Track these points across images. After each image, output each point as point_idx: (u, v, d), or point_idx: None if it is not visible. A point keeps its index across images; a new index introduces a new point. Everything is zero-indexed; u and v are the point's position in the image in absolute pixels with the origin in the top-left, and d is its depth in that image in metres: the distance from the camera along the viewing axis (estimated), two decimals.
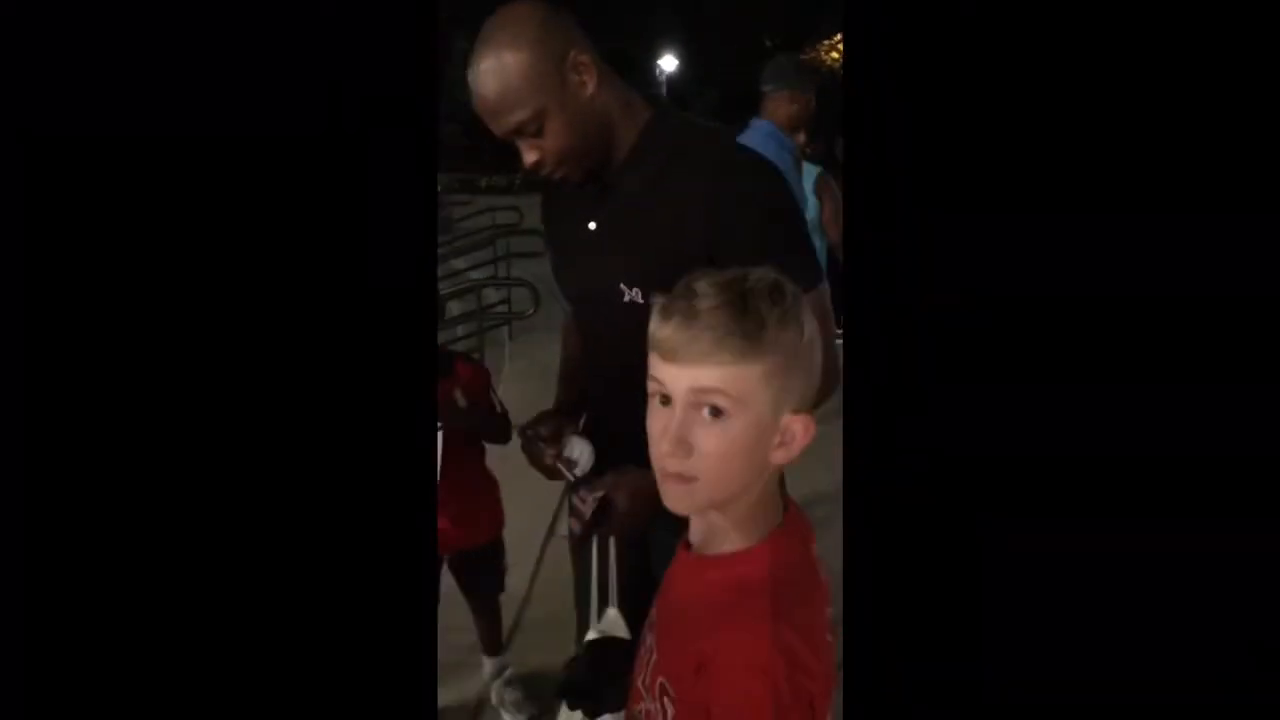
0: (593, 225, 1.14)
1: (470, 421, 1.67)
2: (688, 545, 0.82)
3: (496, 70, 1.00)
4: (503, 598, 1.98)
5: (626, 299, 1.09)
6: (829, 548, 0.80)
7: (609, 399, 1.23)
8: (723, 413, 0.69)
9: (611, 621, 1.18)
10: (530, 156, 1.06)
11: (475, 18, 1.08)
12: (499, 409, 1.74)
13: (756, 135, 2.34)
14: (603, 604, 1.20)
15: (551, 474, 1.18)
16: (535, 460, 1.19)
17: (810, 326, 0.73)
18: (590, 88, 1.04)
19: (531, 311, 3.58)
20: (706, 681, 0.69)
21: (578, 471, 1.14)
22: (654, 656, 0.79)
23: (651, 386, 0.75)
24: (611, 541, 1.18)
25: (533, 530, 2.69)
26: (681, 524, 0.87)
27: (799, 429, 0.72)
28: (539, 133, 1.03)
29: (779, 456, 0.73)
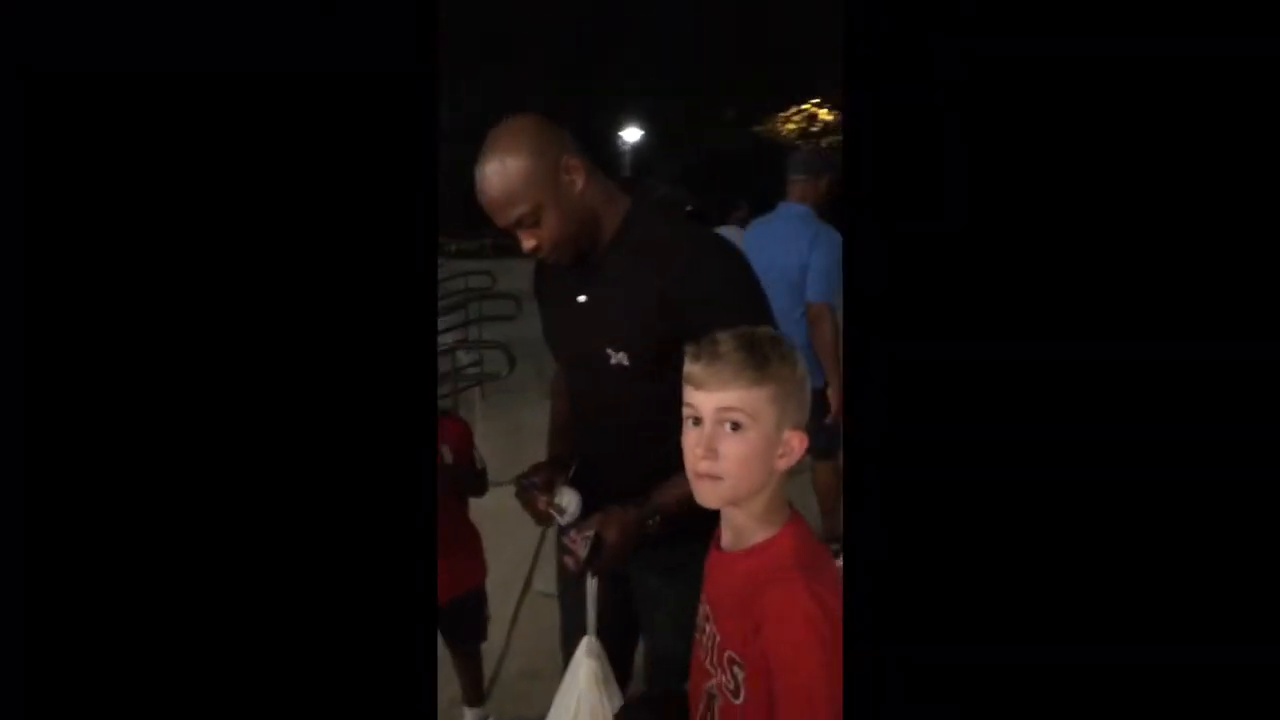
0: (582, 299, 1.31)
1: (454, 476, 1.77)
2: (719, 548, 1.02)
3: (501, 173, 1.18)
4: (483, 648, 2.02)
5: (613, 362, 1.25)
6: None
7: (596, 450, 1.36)
8: (740, 426, 0.92)
9: (591, 647, 1.26)
10: (529, 244, 1.24)
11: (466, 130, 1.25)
12: (480, 465, 1.82)
13: (784, 214, 2.84)
14: (584, 631, 1.29)
15: (543, 520, 1.31)
16: (529, 506, 1.32)
17: (801, 367, 0.95)
18: (580, 185, 1.23)
19: (506, 373, 3.66)
20: (763, 639, 0.87)
21: (566, 518, 1.27)
22: (717, 638, 0.96)
23: (686, 411, 0.97)
24: (591, 580, 1.28)
25: (509, 584, 2.73)
26: (650, 563, 1.12)
27: (796, 442, 0.94)
28: (537, 224, 1.22)
29: (782, 464, 0.94)
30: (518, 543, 3.01)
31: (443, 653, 1.94)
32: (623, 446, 1.33)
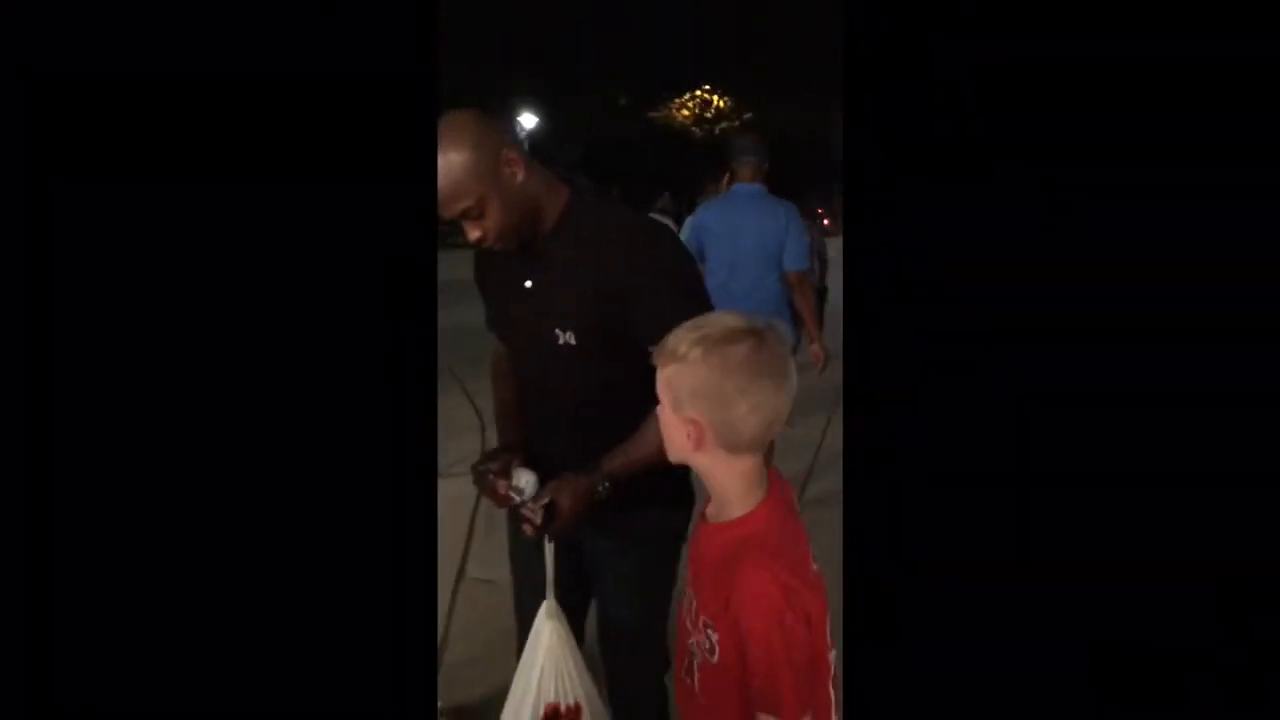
0: (529, 284, 1.39)
1: None
2: (705, 519, 1.09)
3: (445, 168, 1.24)
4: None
5: (561, 341, 1.34)
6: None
7: (548, 425, 1.43)
8: (660, 401, 1.04)
9: (550, 609, 1.36)
10: (474, 234, 1.31)
11: None
12: None
13: (744, 192, 3.13)
14: (538, 597, 1.40)
15: (503, 503, 1.38)
16: (488, 491, 1.40)
17: (712, 366, 0.98)
18: (520, 176, 1.30)
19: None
20: (732, 612, 0.95)
21: (525, 497, 1.32)
22: (694, 603, 1.05)
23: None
24: (548, 544, 1.38)
25: (444, 574, 2.74)
26: (601, 529, 1.29)
27: (693, 430, 1.01)
28: (481, 215, 1.29)
29: (689, 446, 1.02)
30: (449, 532, 3.03)
31: None
32: (572, 420, 1.42)
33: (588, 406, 1.36)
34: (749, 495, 1.01)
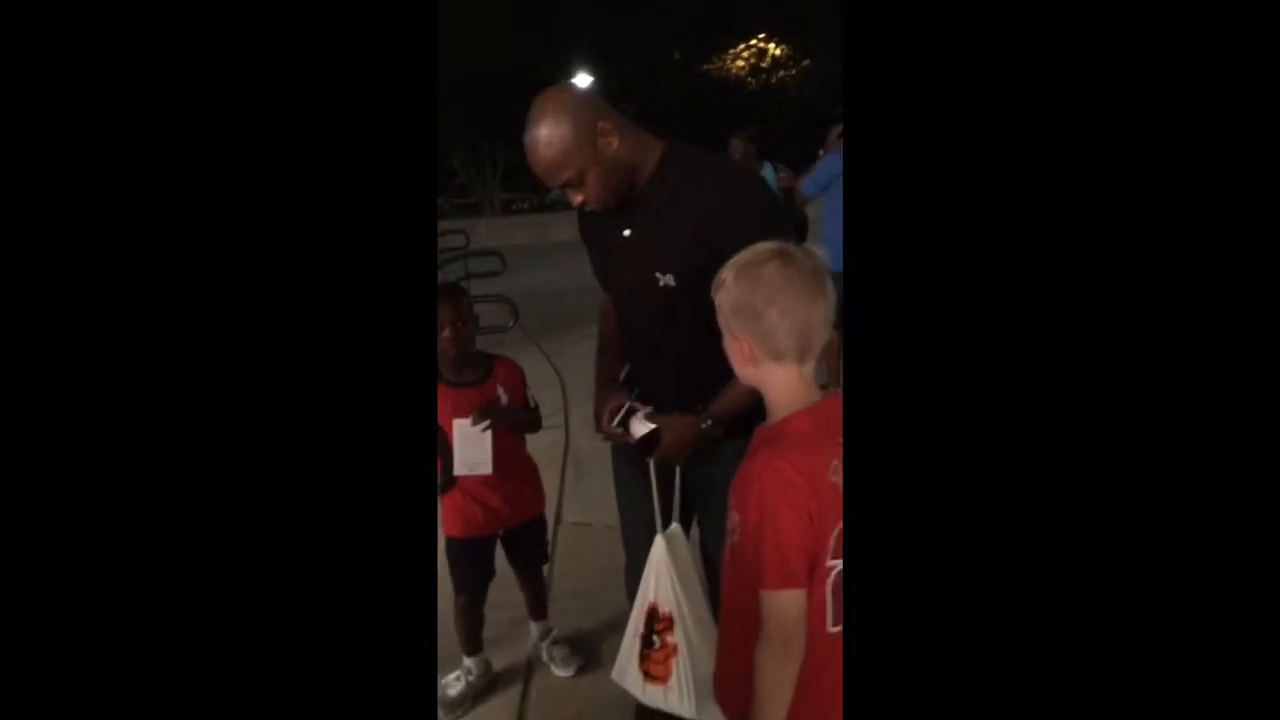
0: (627, 233, 1.49)
1: (510, 414, 1.93)
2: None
3: (546, 144, 1.35)
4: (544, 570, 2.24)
5: (661, 284, 1.44)
6: None
7: (650, 364, 1.54)
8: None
9: (674, 533, 1.47)
10: (576, 199, 1.43)
11: None
12: (532, 404, 1.97)
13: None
14: (666, 521, 1.53)
15: (619, 442, 1.55)
16: (614, 439, 1.56)
17: (751, 293, 1.09)
18: (614, 145, 1.40)
19: (511, 325, 3.74)
20: (738, 494, 1.09)
21: (631, 439, 1.50)
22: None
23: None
24: (654, 476, 1.52)
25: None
26: (709, 459, 1.42)
27: (738, 347, 1.14)
28: (581, 184, 1.39)
29: (739, 362, 1.15)
30: (545, 481, 3.17)
31: (504, 586, 2.12)
32: (674, 359, 1.50)
33: (689, 345, 1.44)
34: (790, 405, 1.11)
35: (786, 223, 1.44)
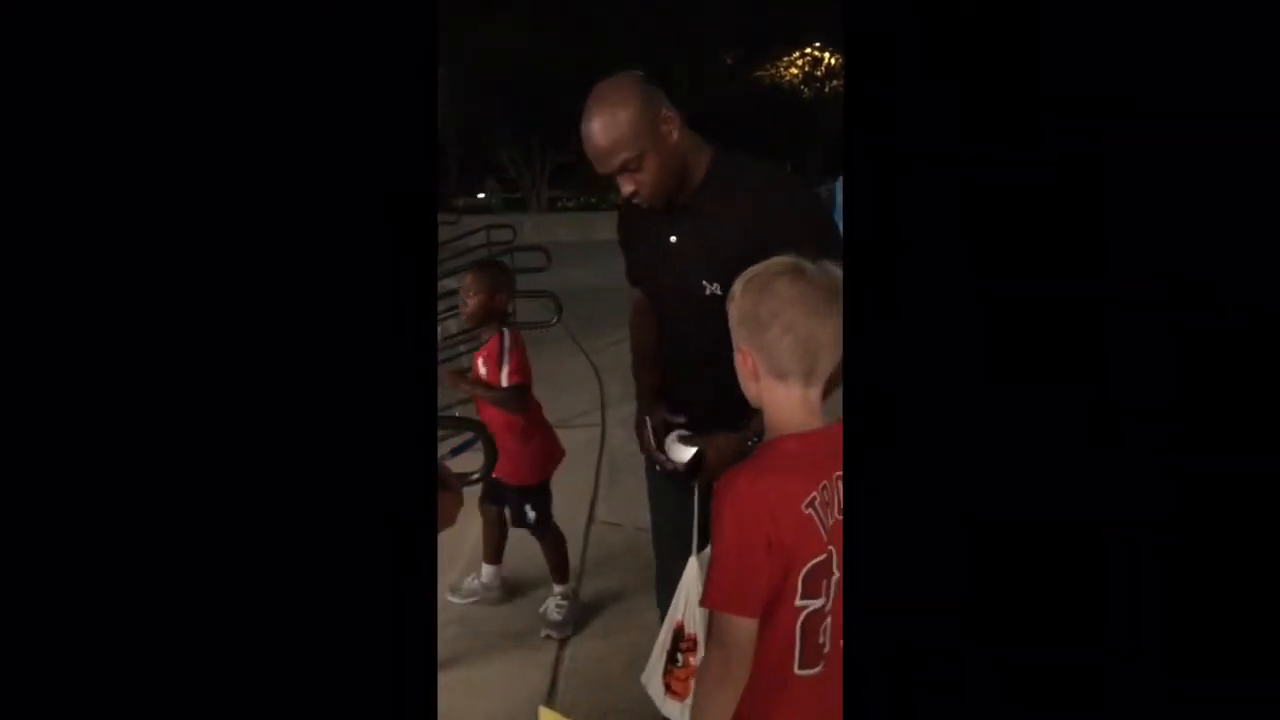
0: (674, 239, 1.46)
1: (475, 387, 2.23)
2: None
3: (610, 124, 1.33)
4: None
5: (708, 292, 1.41)
6: None
7: (689, 373, 1.51)
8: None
9: (707, 556, 1.44)
10: (628, 188, 1.39)
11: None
12: (505, 382, 2.19)
13: None
14: (703, 543, 1.48)
15: (666, 469, 1.49)
16: (648, 452, 1.53)
17: (759, 304, 1.06)
18: (675, 136, 1.37)
19: (555, 321, 3.74)
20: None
21: (679, 466, 1.45)
22: None
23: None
24: (697, 493, 1.48)
25: (575, 515, 2.89)
26: None
27: (743, 359, 1.11)
28: (639, 169, 1.35)
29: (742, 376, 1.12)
30: (577, 478, 3.18)
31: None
32: (714, 370, 1.46)
33: (731, 356, 1.42)
34: (784, 427, 1.06)
35: (836, 236, 1.40)
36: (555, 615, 2.28)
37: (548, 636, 2.25)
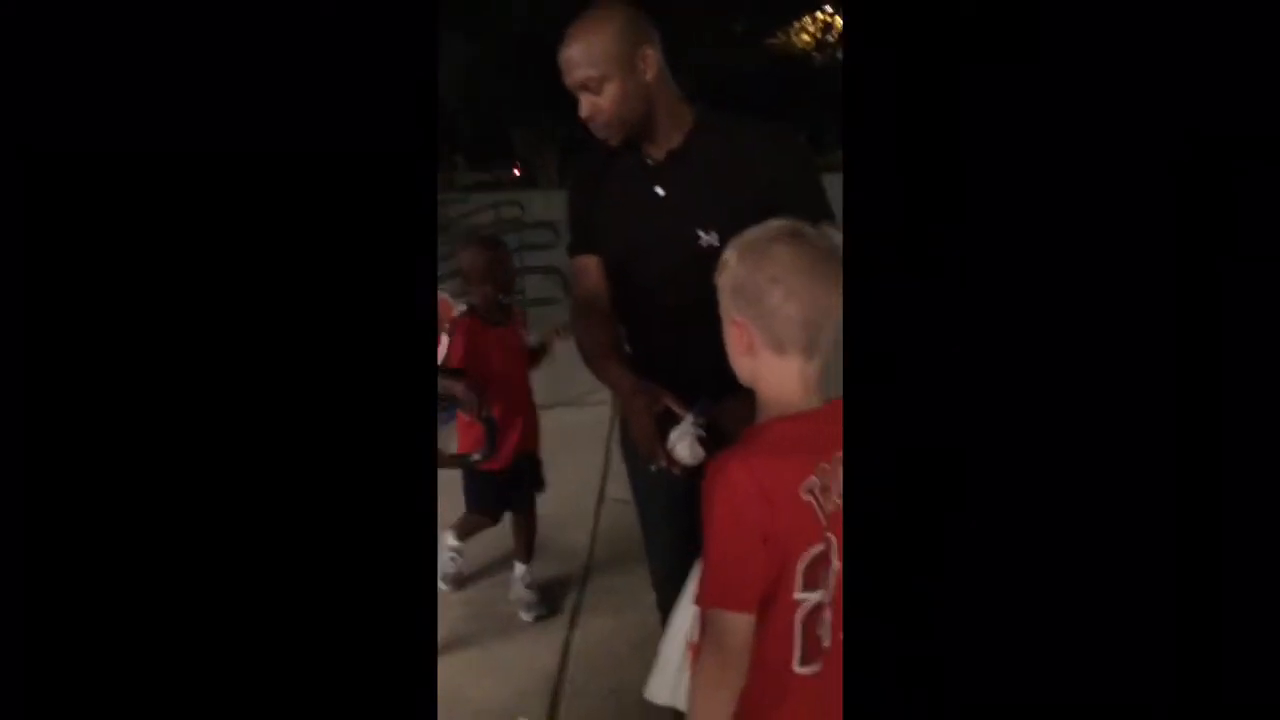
0: (661, 191, 1.41)
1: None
2: None
3: (585, 35, 1.31)
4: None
5: (703, 243, 1.35)
6: None
7: (682, 335, 1.39)
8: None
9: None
10: (585, 110, 1.35)
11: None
12: (459, 363, 2.17)
13: None
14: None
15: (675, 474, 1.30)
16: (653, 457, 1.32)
17: (752, 274, 0.98)
18: (649, 75, 1.33)
19: (563, 297, 3.72)
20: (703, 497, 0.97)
21: (687, 463, 1.23)
22: None
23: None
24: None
25: (585, 494, 2.88)
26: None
27: (735, 330, 1.02)
28: (598, 91, 1.32)
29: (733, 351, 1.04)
30: (588, 456, 3.17)
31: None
32: (710, 333, 1.37)
33: None
34: (781, 406, 0.98)
35: (821, 188, 1.38)
36: (529, 599, 2.34)
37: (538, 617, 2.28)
